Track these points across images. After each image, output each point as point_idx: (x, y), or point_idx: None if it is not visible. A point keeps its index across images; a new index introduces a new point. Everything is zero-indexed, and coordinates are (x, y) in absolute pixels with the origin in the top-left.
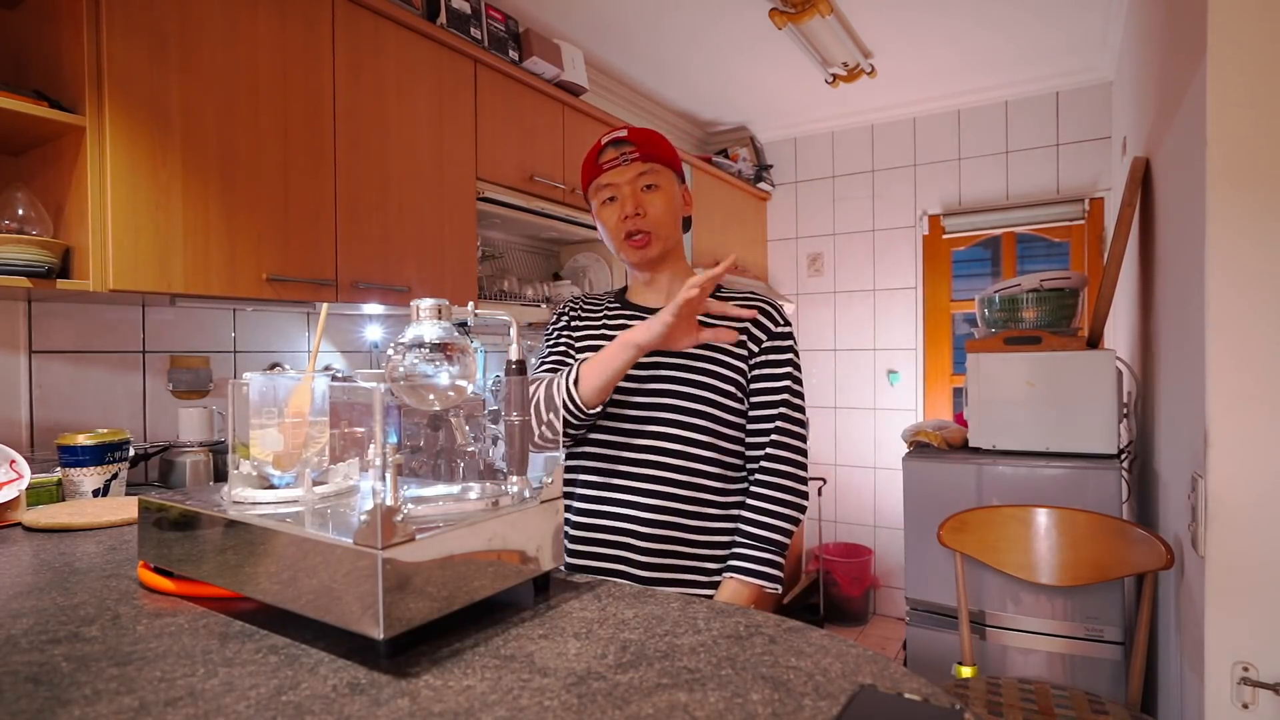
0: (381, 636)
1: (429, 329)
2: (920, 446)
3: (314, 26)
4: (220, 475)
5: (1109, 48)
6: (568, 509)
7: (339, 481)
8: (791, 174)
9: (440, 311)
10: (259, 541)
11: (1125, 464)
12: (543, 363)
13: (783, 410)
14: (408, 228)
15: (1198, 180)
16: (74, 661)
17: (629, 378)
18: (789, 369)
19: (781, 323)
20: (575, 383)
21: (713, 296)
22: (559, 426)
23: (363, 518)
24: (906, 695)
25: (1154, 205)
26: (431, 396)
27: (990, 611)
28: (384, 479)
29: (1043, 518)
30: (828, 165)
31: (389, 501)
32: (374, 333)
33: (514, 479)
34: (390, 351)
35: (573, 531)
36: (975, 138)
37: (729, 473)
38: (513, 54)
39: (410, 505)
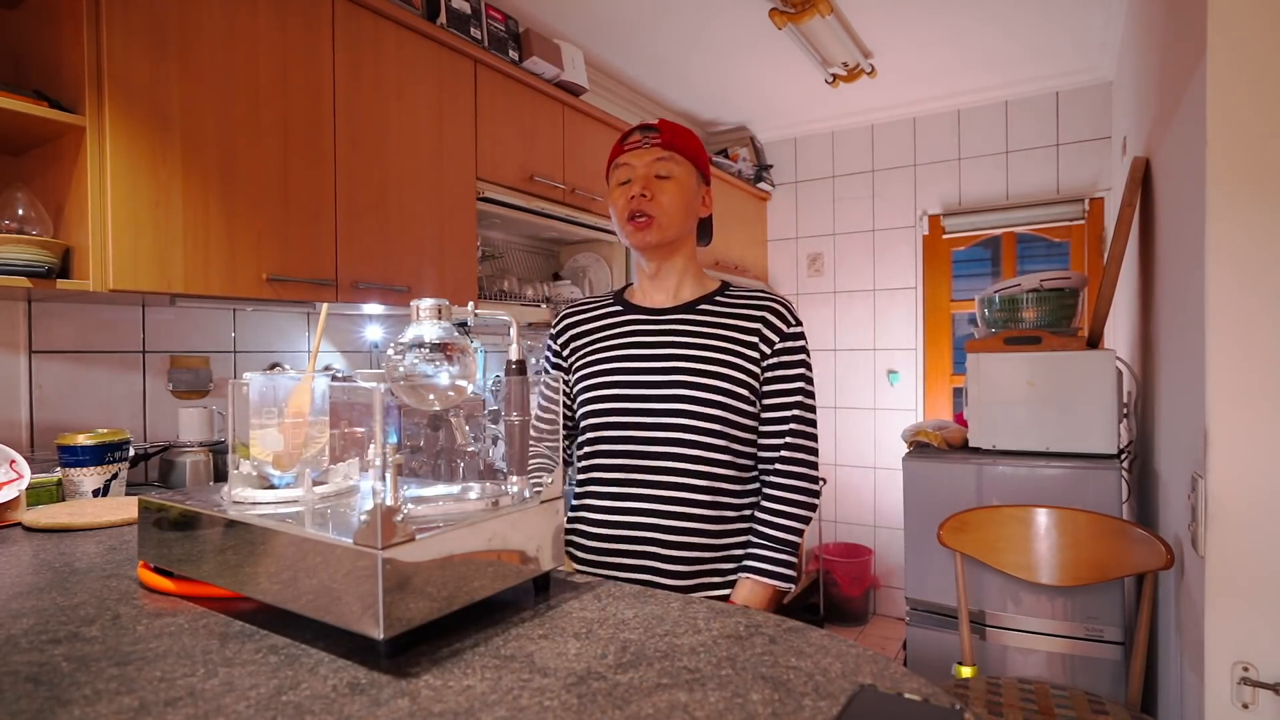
0: (381, 636)
1: (429, 329)
2: (920, 446)
3: (314, 26)
4: (220, 475)
5: (1109, 47)
6: (584, 517)
7: (339, 481)
8: (791, 174)
9: (440, 311)
10: (259, 541)
11: (1125, 464)
12: (544, 400)
13: (796, 412)
14: (408, 227)
15: (1198, 180)
16: (74, 661)
17: (642, 383)
18: (802, 369)
19: (793, 322)
20: None
21: (722, 296)
22: None
23: (363, 518)
24: (906, 695)
25: (1154, 205)
26: (431, 396)
27: (990, 611)
28: (384, 479)
29: (1043, 518)
30: (828, 165)
31: (389, 501)
32: (374, 333)
33: (514, 479)
34: (390, 351)
35: (590, 543)
36: (975, 138)
37: (743, 474)
38: (513, 54)
39: (410, 505)
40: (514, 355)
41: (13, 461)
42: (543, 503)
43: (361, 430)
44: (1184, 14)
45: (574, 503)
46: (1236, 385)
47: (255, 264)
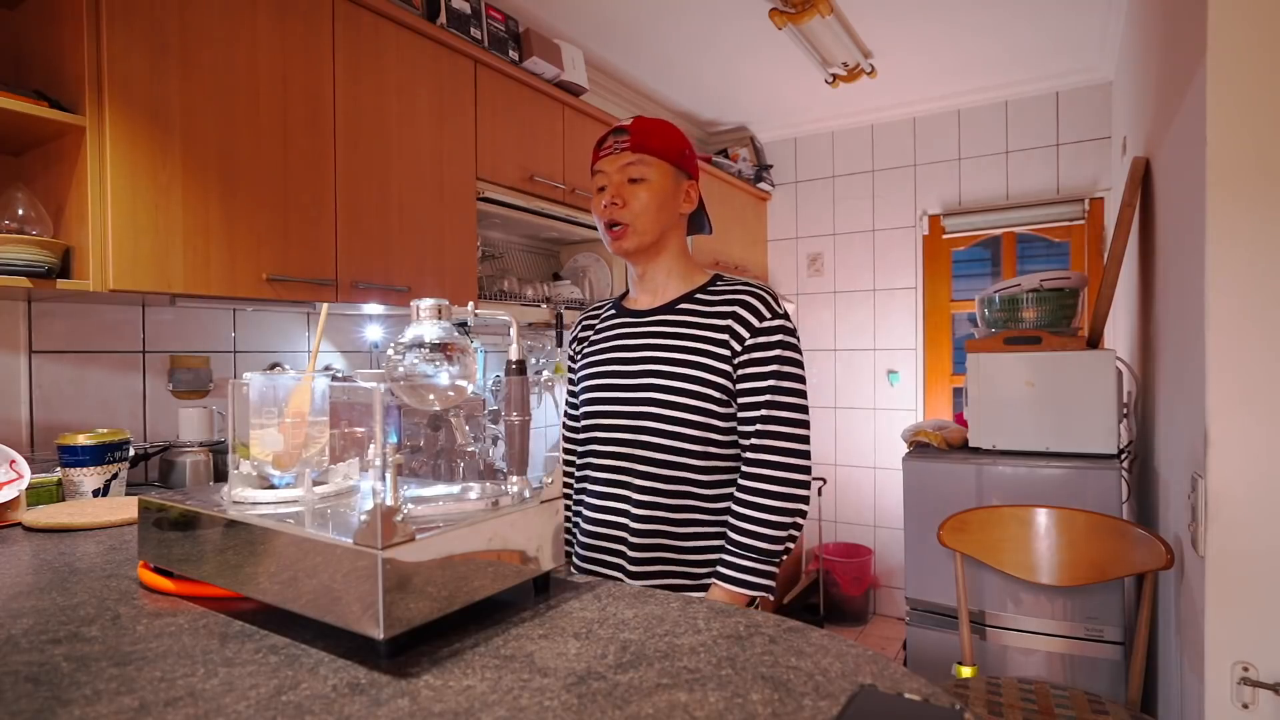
0: (381, 636)
1: (429, 329)
2: (920, 446)
3: (314, 26)
4: (220, 475)
5: (1108, 48)
6: (577, 522)
7: (339, 481)
8: (791, 174)
9: (440, 311)
10: (259, 541)
11: (1125, 464)
12: (568, 405)
13: (765, 412)
14: (408, 227)
15: (1197, 180)
16: (74, 661)
17: (619, 386)
18: (775, 365)
19: (768, 315)
20: None
21: (703, 293)
22: None
23: (363, 518)
24: (906, 695)
25: (1154, 205)
26: (431, 396)
27: (990, 611)
28: (384, 479)
29: (1043, 518)
30: (828, 165)
31: (389, 501)
32: (374, 333)
33: (514, 479)
34: (390, 351)
35: (583, 539)
36: (975, 138)
37: (722, 476)
38: (513, 54)
39: (410, 505)
40: (514, 355)
41: (13, 461)
42: (542, 503)
43: (361, 430)
44: (1184, 14)
45: (571, 505)
46: (1237, 385)
47: (255, 264)
